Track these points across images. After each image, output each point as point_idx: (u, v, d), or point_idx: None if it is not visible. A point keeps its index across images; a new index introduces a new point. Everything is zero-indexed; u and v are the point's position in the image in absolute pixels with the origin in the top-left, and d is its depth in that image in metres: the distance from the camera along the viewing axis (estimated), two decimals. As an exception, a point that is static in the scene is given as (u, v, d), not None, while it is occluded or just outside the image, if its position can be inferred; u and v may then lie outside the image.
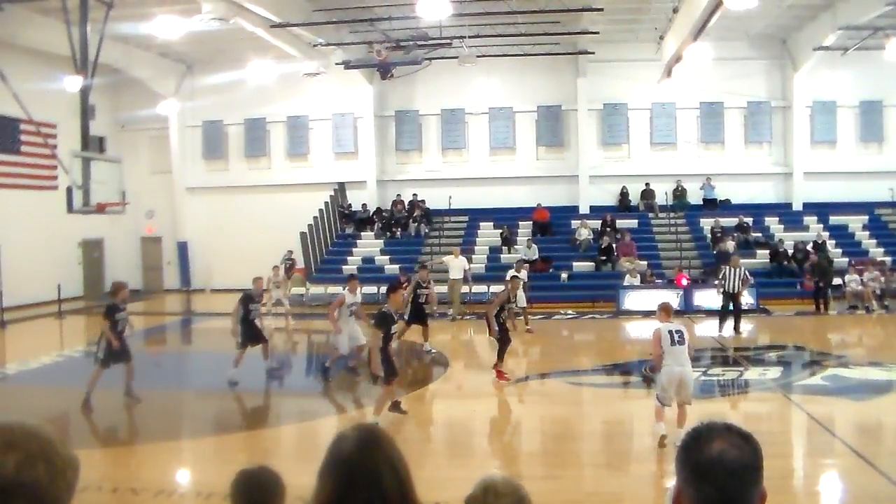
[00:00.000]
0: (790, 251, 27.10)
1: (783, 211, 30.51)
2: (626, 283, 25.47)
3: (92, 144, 23.01)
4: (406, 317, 17.49)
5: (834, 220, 29.45)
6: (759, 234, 28.89)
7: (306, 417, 13.68)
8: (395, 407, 12.44)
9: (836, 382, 14.37)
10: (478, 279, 25.52)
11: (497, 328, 15.27)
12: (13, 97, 19.47)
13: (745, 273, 21.22)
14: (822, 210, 29.86)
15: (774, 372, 15.63)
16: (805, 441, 11.35)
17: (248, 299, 15.80)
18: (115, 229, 32.23)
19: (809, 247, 26.93)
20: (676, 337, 10.70)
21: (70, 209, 19.04)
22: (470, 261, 27.33)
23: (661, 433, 10.45)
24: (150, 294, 33.22)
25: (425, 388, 15.61)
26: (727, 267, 21.33)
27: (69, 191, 18.78)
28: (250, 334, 15.67)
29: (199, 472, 10.47)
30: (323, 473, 2.49)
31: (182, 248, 33.97)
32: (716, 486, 2.12)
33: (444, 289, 23.82)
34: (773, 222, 29.69)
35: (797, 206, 30.68)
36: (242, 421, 13.52)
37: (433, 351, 18.15)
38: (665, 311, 11.46)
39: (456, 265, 24.41)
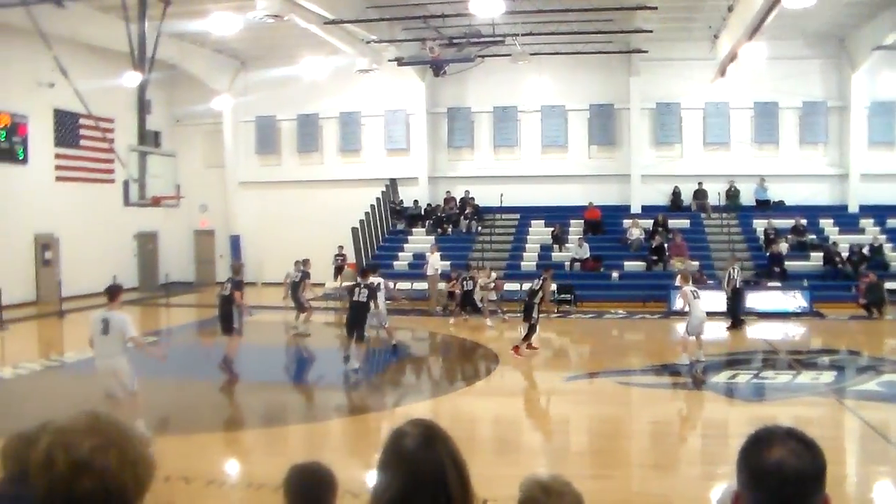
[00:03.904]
0: (845, 254, 26.64)
1: (838, 213, 29.95)
2: (677, 284, 25.20)
3: (148, 139, 23.42)
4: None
5: (891, 222, 28.79)
6: (814, 237, 28.42)
7: (355, 411, 13.80)
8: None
9: (892, 388, 14.13)
10: (530, 277, 25.51)
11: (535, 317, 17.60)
12: (74, 93, 19.82)
13: (733, 272, 21.93)
14: (878, 212, 29.24)
15: (828, 376, 15.37)
16: (858, 447, 11.18)
17: (305, 276, 21.43)
18: (169, 222, 32.74)
19: (865, 250, 26.51)
20: (695, 295, 16.58)
21: (126, 202, 19.33)
22: (521, 258, 27.73)
23: (686, 362, 16.10)
24: (203, 286, 33.61)
25: (473, 385, 15.67)
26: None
27: (126, 184, 19.07)
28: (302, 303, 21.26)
29: (250, 463, 10.61)
30: (385, 470, 2.46)
31: (234, 242, 34.31)
32: (772, 493, 2.09)
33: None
34: (827, 224, 29.17)
35: (853, 209, 30.10)
36: (293, 413, 13.65)
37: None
38: (683, 277, 17.49)
39: (432, 261, 25.50)
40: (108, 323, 10.64)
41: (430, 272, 25.45)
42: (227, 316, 15.79)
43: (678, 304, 17.79)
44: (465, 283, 23.28)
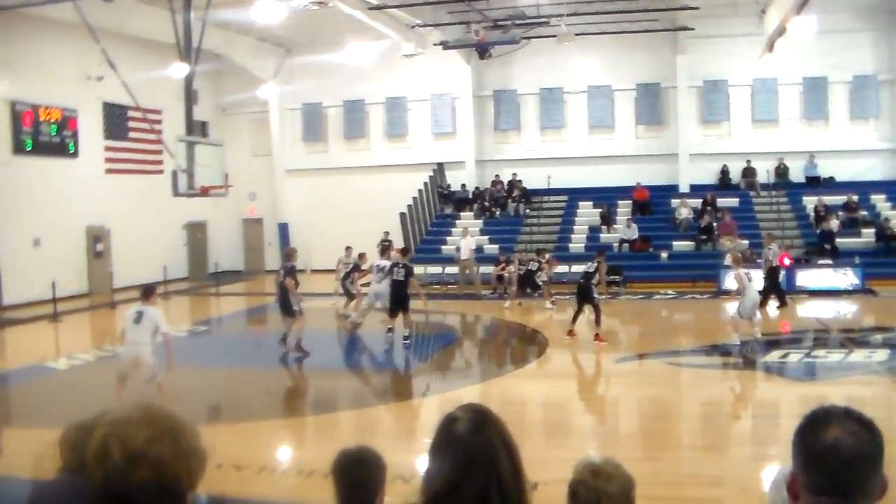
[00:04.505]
0: (899, 230, 26.11)
1: (891, 188, 29.28)
2: (726, 263, 24.94)
3: (195, 129, 23.66)
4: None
5: (947, 197, 28.26)
6: (865, 213, 27.87)
7: (405, 396, 13.86)
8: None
9: (949, 366, 13.86)
10: (578, 259, 25.36)
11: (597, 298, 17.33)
12: (122, 85, 20.05)
13: (768, 252, 21.42)
14: (933, 187, 28.67)
15: (881, 354, 15.08)
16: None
17: (356, 268, 21.25)
18: (218, 211, 33.00)
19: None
20: (749, 277, 16.37)
21: (175, 192, 19.56)
22: (569, 240, 27.62)
23: (737, 343, 15.79)
24: (252, 275, 33.92)
25: (523, 368, 15.66)
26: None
27: (174, 174, 19.31)
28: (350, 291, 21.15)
29: (302, 450, 10.70)
30: (437, 456, 2.42)
31: (282, 230, 34.52)
32: (829, 474, 2.03)
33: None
34: (879, 200, 28.55)
35: (906, 183, 29.54)
36: (343, 399, 13.73)
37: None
38: (735, 260, 17.66)
39: (464, 245, 25.76)
40: (142, 314, 11.24)
41: (464, 255, 25.72)
42: (286, 301, 16.16)
43: (732, 286, 17.47)
44: (530, 264, 23.31)
